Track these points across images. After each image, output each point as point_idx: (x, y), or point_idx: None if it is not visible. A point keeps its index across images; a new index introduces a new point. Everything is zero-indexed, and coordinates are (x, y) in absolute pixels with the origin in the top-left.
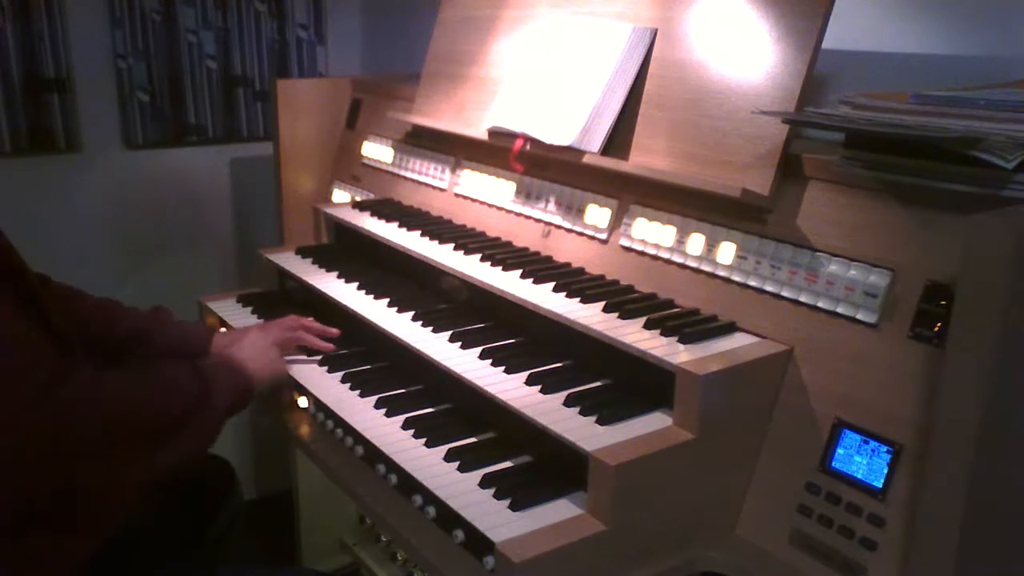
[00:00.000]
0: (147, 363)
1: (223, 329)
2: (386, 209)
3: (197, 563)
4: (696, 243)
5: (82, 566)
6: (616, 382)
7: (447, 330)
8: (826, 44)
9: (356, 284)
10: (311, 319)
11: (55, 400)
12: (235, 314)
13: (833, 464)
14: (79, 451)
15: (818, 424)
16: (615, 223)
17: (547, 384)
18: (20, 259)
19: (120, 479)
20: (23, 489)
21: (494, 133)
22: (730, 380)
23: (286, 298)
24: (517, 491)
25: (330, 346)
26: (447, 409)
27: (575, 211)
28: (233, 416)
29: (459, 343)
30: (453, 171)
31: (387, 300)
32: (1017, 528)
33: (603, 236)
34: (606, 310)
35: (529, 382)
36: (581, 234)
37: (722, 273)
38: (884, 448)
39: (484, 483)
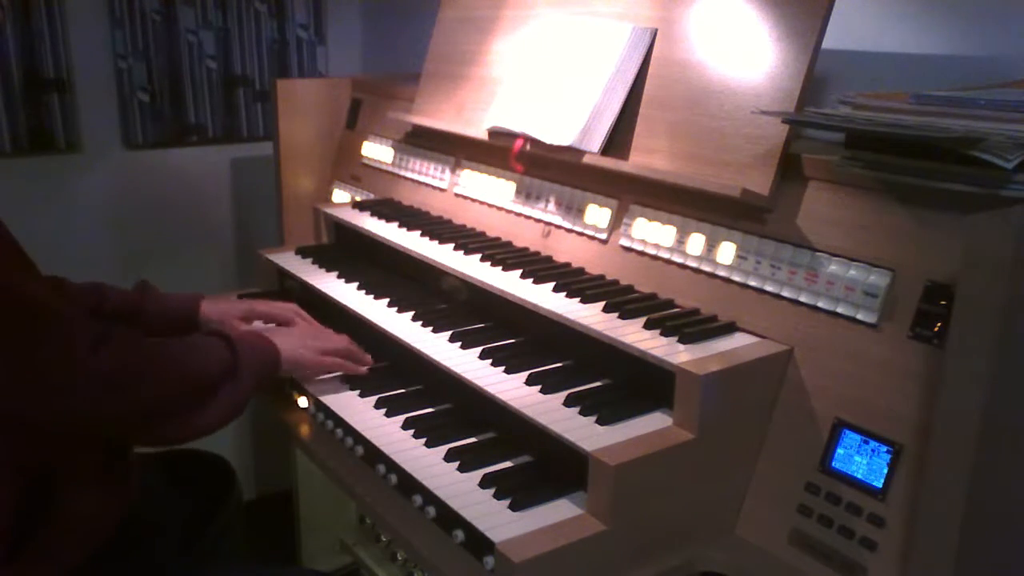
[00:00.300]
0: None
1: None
2: (386, 209)
3: (196, 562)
4: (696, 243)
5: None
6: (616, 382)
7: (447, 330)
8: (826, 44)
9: (356, 284)
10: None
11: (101, 357)
12: None
13: (833, 464)
14: (122, 406)
15: (818, 424)
16: (615, 223)
17: (547, 384)
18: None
19: (155, 437)
20: (79, 436)
21: (494, 133)
22: (730, 380)
23: (286, 298)
24: (517, 491)
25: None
26: (447, 409)
27: (575, 211)
28: (259, 387)
29: (459, 343)
30: (453, 171)
31: (387, 300)
32: (1017, 528)
33: (603, 236)
34: (606, 310)
35: (529, 382)
36: (581, 234)
37: (722, 273)
38: (884, 448)
39: (484, 483)
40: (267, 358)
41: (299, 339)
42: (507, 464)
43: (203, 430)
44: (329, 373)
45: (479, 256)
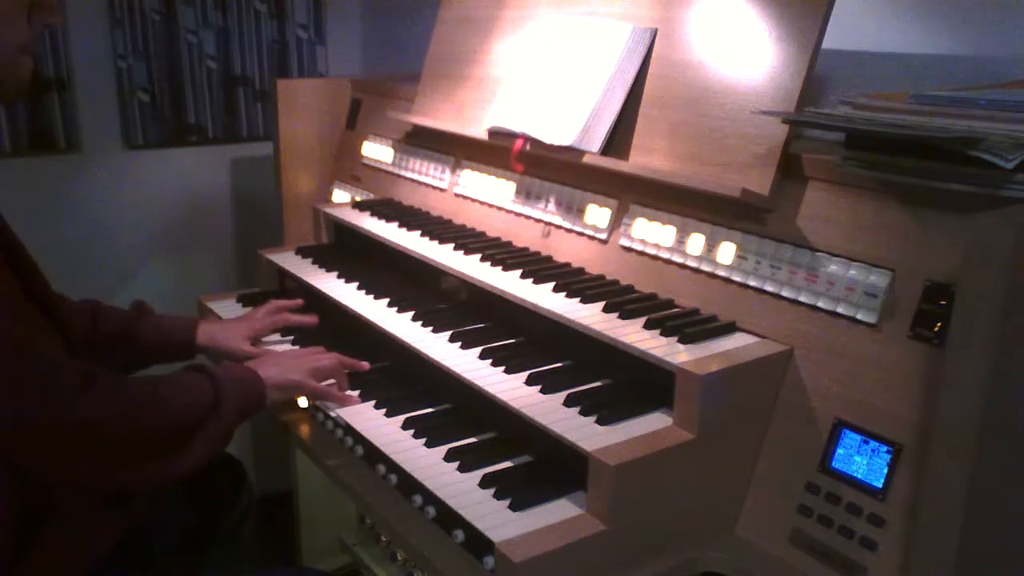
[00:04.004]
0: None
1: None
2: (386, 209)
3: (208, 561)
4: (696, 243)
5: (101, 558)
6: (616, 382)
7: (447, 330)
8: (826, 44)
9: (356, 284)
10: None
11: (86, 403)
12: (235, 314)
13: (833, 464)
14: (108, 451)
15: (818, 424)
16: (615, 223)
17: (547, 384)
18: (31, 259)
19: (143, 480)
20: (54, 484)
21: (494, 133)
22: (730, 380)
23: (286, 298)
24: (517, 491)
25: (310, 319)
26: (447, 409)
27: (575, 211)
28: (243, 421)
29: (459, 343)
30: (453, 171)
31: (387, 300)
32: (1017, 528)
33: (603, 236)
34: (606, 310)
35: (529, 382)
36: (581, 234)
37: (722, 273)
38: (884, 448)
39: (484, 483)
40: (251, 391)
41: (287, 365)
42: (507, 464)
43: (186, 470)
44: (320, 399)
45: (479, 256)
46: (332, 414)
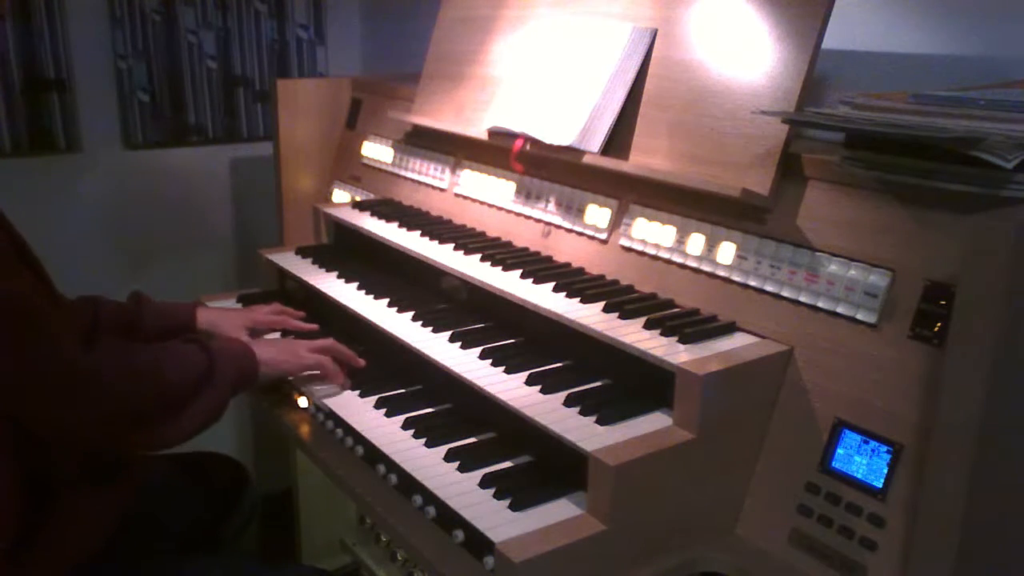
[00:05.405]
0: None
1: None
2: (386, 209)
3: (210, 561)
4: (696, 243)
5: (102, 544)
6: (616, 382)
7: (447, 330)
8: (826, 44)
9: (356, 284)
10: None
11: (89, 357)
12: None
13: (833, 464)
14: (107, 407)
15: (818, 424)
16: (615, 223)
17: (547, 384)
18: (37, 258)
19: (137, 441)
20: (60, 443)
21: (494, 133)
22: (730, 380)
23: (286, 298)
24: (517, 491)
25: (312, 326)
26: (447, 409)
27: (575, 211)
28: (237, 394)
29: (459, 343)
30: (453, 171)
31: (387, 300)
32: (1017, 528)
33: (603, 236)
34: (606, 310)
35: (529, 382)
36: (581, 234)
37: (722, 273)
38: (884, 448)
39: (484, 483)
40: (244, 364)
41: (280, 345)
42: (507, 464)
43: (180, 436)
44: (311, 371)
45: (479, 256)
46: (325, 409)
